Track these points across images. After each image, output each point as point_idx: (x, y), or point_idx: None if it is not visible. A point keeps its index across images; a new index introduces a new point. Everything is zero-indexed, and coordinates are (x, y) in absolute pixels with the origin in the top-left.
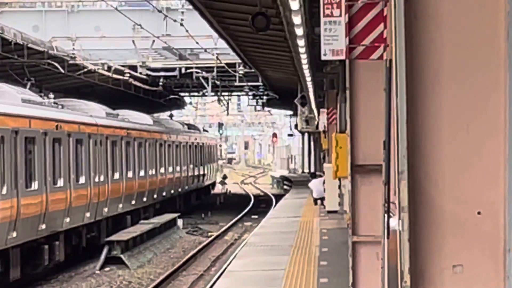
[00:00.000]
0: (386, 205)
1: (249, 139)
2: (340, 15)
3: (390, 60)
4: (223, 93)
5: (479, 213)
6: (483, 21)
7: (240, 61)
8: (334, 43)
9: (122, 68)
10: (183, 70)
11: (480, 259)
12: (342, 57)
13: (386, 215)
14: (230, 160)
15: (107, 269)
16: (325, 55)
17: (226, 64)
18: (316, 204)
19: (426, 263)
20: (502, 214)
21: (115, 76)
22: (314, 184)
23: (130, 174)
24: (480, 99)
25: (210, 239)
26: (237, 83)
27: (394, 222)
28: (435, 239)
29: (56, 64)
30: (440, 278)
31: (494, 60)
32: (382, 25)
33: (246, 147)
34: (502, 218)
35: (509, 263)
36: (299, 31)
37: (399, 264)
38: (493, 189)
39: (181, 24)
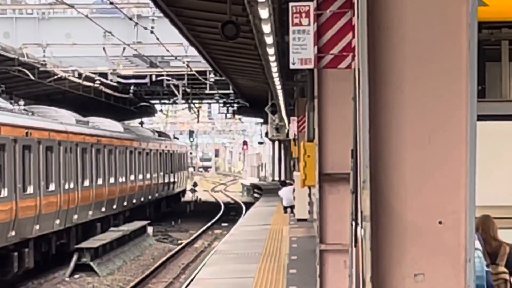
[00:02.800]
0: (353, 213)
1: (220, 147)
2: (309, 24)
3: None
4: (193, 101)
5: (440, 222)
6: (446, 33)
7: (210, 68)
8: (303, 52)
9: (93, 75)
10: (153, 78)
11: (441, 268)
12: (311, 66)
13: (353, 223)
14: (206, 168)
15: (76, 276)
16: (293, 64)
17: (197, 71)
18: (286, 212)
19: (387, 271)
20: (463, 224)
21: (85, 83)
22: (284, 192)
23: (100, 181)
24: (442, 110)
25: (180, 246)
26: (207, 91)
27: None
28: (396, 248)
29: (27, 71)
30: (401, 287)
31: (456, 71)
32: (350, 34)
33: (216, 155)
34: (463, 228)
35: (470, 272)
36: (269, 40)
37: (361, 272)
38: (455, 199)
39: (152, 32)
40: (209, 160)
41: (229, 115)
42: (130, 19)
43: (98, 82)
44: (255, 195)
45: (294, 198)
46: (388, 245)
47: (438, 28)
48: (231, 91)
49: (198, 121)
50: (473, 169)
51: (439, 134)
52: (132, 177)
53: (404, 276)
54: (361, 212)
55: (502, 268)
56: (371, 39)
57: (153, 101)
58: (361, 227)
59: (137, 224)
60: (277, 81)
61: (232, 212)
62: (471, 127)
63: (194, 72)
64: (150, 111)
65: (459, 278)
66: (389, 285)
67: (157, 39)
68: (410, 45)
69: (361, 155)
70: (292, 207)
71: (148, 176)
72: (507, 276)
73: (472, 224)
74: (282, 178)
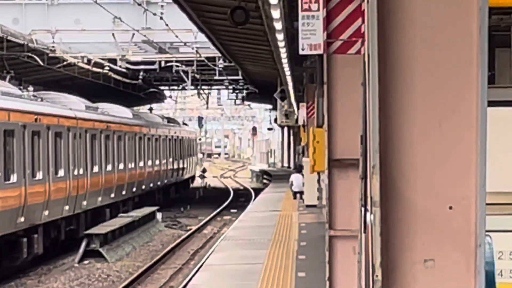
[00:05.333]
0: (363, 199)
1: (229, 133)
2: (318, 10)
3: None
4: (203, 87)
5: (450, 208)
6: (456, 17)
7: (220, 55)
8: (312, 37)
9: (102, 61)
10: (163, 64)
11: (451, 254)
12: (320, 51)
13: (363, 209)
14: (219, 155)
15: (85, 262)
16: (303, 49)
17: (206, 57)
18: (295, 198)
19: (397, 257)
20: (474, 209)
21: (94, 69)
22: (296, 177)
23: (109, 167)
24: (453, 95)
25: (189, 232)
26: (217, 77)
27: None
28: (406, 233)
29: (36, 57)
30: (411, 272)
31: (466, 56)
32: (360, 19)
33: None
34: (474, 213)
35: (480, 258)
36: (278, 25)
37: (371, 258)
38: (465, 184)
39: (161, 18)
40: (225, 147)
41: (238, 101)
42: (139, 5)
43: (107, 68)
44: (264, 181)
45: (303, 184)
46: (398, 230)
47: (448, 12)
48: (240, 77)
49: (207, 107)
50: (484, 154)
51: (449, 119)
52: (141, 163)
53: (414, 262)
54: (371, 198)
55: None
56: (380, 23)
57: (162, 87)
58: (371, 212)
59: (146, 210)
60: (286, 67)
61: (241, 198)
62: (482, 112)
63: (203, 58)
64: (159, 97)
65: (469, 263)
66: (399, 271)
67: (166, 25)
68: (420, 29)
69: (371, 140)
70: (301, 193)
71: (157, 162)
72: None
73: (482, 210)
74: (292, 164)
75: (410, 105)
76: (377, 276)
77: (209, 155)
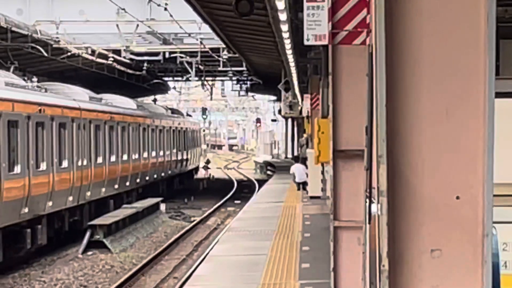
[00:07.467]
0: (367, 190)
1: (233, 124)
2: (323, 0)
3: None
4: (207, 78)
5: (457, 197)
6: (464, 6)
7: (224, 46)
8: (317, 28)
9: (106, 52)
10: (167, 55)
11: (458, 244)
12: (325, 42)
13: (367, 200)
14: (231, 147)
15: (89, 253)
16: (308, 40)
17: (210, 49)
18: (299, 189)
19: (404, 247)
20: (481, 199)
21: (99, 60)
22: (297, 167)
23: (113, 158)
24: (460, 85)
25: (192, 223)
26: (221, 68)
27: (375, 208)
28: (413, 223)
29: (40, 48)
30: (418, 262)
31: (474, 45)
32: (365, 10)
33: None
34: (481, 203)
35: (487, 247)
36: (283, 16)
37: (378, 248)
38: (472, 174)
39: (165, 9)
40: (234, 138)
41: (242, 93)
42: None
43: (111, 59)
44: (268, 172)
45: (307, 175)
46: (405, 220)
47: (455, 2)
48: (244, 68)
49: (211, 99)
50: (491, 144)
51: (456, 108)
52: (145, 154)
53: (421, 251)
54: (378, 187)
55: None
56: (388, 12)
57: (166, 78)
58: (378, 202)
59: (150, 201)
60: (290, 58)
61: (245, 190)
62: (489, 101)
63: (207, 49)
64: (163, 88)
65: (476, 253)
66: (406, 261)
67: (171, 16)
68: (428, 19)
69: (378, 130)
70: (304, 183)
71: (161, 153)
72: None
73: (489, 199)
74: (295, 154)
75: (417, 94)
76: (384, 266)
77: (214, 147)
